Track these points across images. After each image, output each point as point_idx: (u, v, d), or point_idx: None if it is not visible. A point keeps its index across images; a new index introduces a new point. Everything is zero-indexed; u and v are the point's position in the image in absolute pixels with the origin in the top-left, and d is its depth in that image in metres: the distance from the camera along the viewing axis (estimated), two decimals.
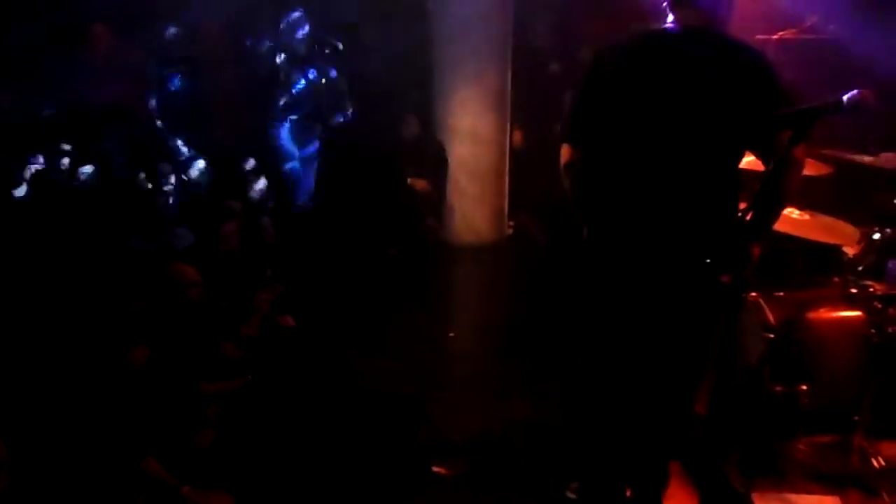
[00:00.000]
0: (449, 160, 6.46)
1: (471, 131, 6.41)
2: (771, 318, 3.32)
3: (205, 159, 6.28)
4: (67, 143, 6.09)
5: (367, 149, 6.19)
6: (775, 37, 3.95)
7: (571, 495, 3.03)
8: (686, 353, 2.58)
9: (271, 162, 6.41)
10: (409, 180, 6.43)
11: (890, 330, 3.14)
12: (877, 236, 3.25)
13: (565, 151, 2.65)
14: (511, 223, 6.89)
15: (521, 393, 4.03)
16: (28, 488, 2.31)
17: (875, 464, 3.10)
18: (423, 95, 6.54)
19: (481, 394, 4.08)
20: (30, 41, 6.07)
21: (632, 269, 2.59)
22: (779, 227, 3.36)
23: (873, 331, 3.16)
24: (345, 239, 5.71)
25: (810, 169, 3.44)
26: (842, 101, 2.03)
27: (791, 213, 3.40)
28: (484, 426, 3.72)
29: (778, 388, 3.24)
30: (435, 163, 6.48)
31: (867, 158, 3.34)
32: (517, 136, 6.90)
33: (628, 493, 2.83)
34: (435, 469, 3.35)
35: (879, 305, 3.17)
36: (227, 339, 4.01)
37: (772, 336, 3.27)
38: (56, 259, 4.38)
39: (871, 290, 3.20)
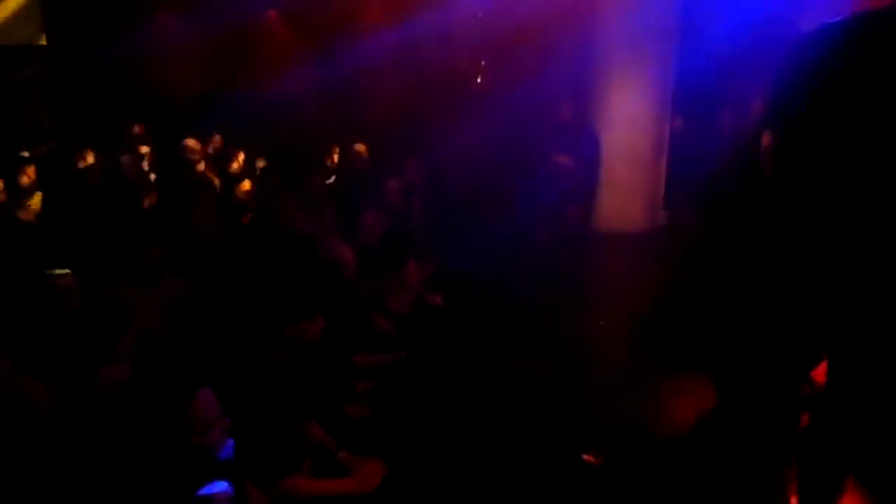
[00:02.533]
0: (603, 146, 6.36)
1: (628, 117, 6.27)
2: None
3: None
4: None
5: (514, 133, 6.21)
6: None
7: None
8: None
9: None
10: (554, 160, 6.38)
11: None
12: None
13: None
14: (665, 212, 6.70)
15: (669, 384, 3.95)
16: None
17: None
18: (578, 79, 6.46)
19: (630, 383, 4.03)
20: None
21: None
22: None
23: None
24: (492, 220, 5.75)
25: None
26: None
27: None
28: (633, 416, 3.68)
29: None
30: (587, 147, 6.40)
31: None
32: (676, 123, 6.69)
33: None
34: (584, 458, 3.35)
35: None
36: (379, 315, 4.16)
37: None
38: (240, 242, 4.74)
39: None
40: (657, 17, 6.15)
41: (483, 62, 6.57)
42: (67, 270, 3.54)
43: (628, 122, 6.31)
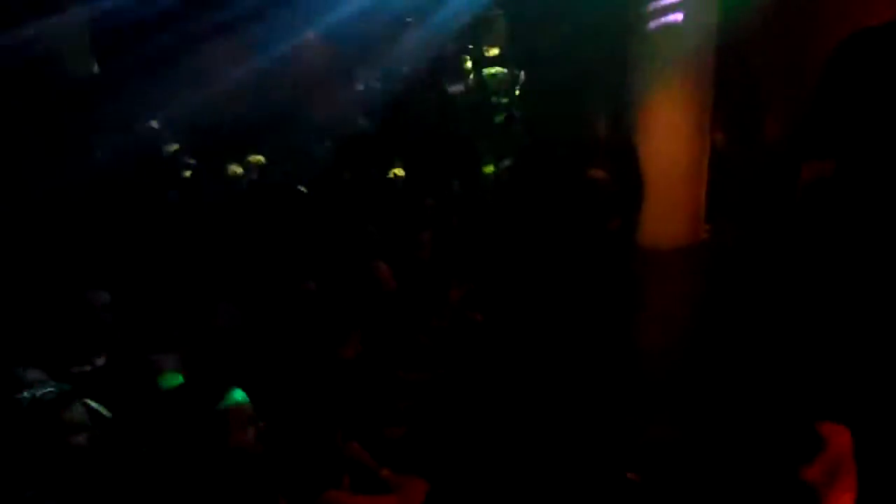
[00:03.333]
0: (641, 157, 6.29)
1: (668, 128, 6.19)
2: None
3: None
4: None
5: (550, 145, 6.21)
6: None
7: None
8: None
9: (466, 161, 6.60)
10: (590, 174, 6.34)
11: None
12: None
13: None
14: (707, 227, 6.59)
15: (713, 400, 3.88)
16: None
17: None
18: (618, 88, 6.42)
19: (673, 400, 3.97)
20: None
21: None
22: None
23: None
24: (531, 236, 5.74)
25: None
26: None
27: None
28: (676, 434, 3.62)
29: None
30: (624, 159, 6.35)
31: None
32: (719, 137, 6.59)
33: None
34: (629, 476, 3.30)
35: None
36: (420, 332, 4.18)
37: None
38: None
39: None
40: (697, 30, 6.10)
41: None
42: None
43: (668, 134, 6.24)
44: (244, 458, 2.47)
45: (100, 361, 3.31)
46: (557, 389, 3.82)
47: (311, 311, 3.51)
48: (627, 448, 3.47)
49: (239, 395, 2.49)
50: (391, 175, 7.01)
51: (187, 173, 7.10)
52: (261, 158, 7.54)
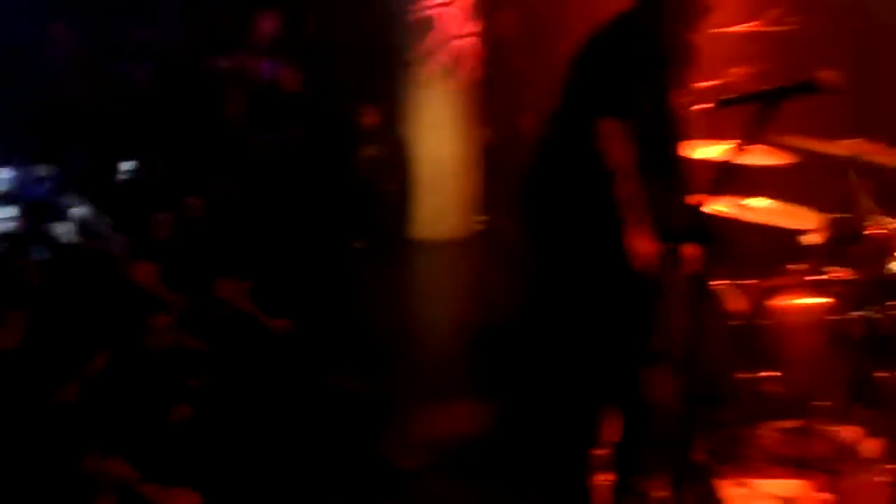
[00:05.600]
0: (415, 153, 6.44)
1: (439, 123, 6.39)
2: (736, 306, 3.36)
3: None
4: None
5: (322, 140, 6.17)
6: (742, 28, 3.99)
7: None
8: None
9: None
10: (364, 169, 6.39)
11: (850, 316, 3.18)
12: (837, 223, 3.28)
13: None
14: (481, 219, 6.88)
15: (489, 390, 4.01)
16: None
17: (835, 446, 3.14)
18: (387, 85, 6.50)
19: (449, 392, 4.06)
20: None
21: None
22: (744, 215, 3.44)
23: (834, 317, 3.21)
24: (303, 230, 5.65)
25: (777, 157, 3.49)
26: (814, 79, 2.05)
27: (757, 201, 3.45)
28: (453, 424, 3.71)
29: (742, 376, 3.26)
30: (397, 155, 6.46)
31: (834, 146, 3.35)
32: (489, 130, 6.89)
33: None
34: (402, 465, 3.33)
35: (840, 291, 3.21)
36: (190, 333, 3.97)
37: (737, 324, 3.31)
38: None
39: (833, 276, 3.24)
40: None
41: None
42: None
43: (436, 130, 6.44)
44: None
45: None
46: (332, 388, 3.78)
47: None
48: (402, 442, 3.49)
49: None
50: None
51: None
52: None
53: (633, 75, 2.64)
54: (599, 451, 3.04)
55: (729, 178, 2.14)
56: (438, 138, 6.47)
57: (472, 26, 6.45)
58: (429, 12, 6.31)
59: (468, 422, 3.74)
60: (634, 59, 2.65)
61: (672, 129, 2.80)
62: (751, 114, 2.04)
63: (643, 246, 2.64)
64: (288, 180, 6.10)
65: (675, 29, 2.74)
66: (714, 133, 3.40)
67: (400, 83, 6.47)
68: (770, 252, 3.76)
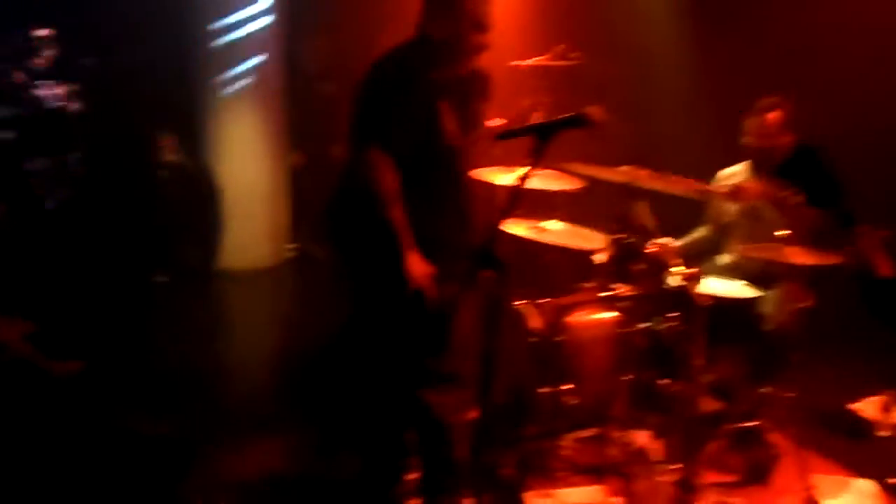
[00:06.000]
0: (220, 182, 6.24)
1: (243, 151, 6.24)
2: (535, 323, 3.52)
3: None
4: None
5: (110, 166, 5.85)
6: (530, 62, 4.20)
7: None
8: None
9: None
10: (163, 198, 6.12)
11: (636, 328, 3.43)
12: (619, 243, 3.52)
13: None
14: (292, 246, 6.76)
15: (302, 427, 3.91)
16: None
17: (629, 452, 3.36)
18: (188, 113, 6.26)
19: (261, 428, 3.91)
20: None
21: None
22: (541, 237, 3.63)
23: (623, 330, 3.45)
24: (96, 264, 5.27)
25: (567, 182, 3.71)
26: (582, 113, 2.21)
27: (552, 224, 3.66)
28: (264, 461, 3.58)
29: (543, 390, 3.42)
30: (199, 185, 6.23)
31: (616, 173, 3.59)
32: (296, 156, 6.81)
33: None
34: None
35: (626, 306, 3.46)
36: None
37: (536, 340, 3.47)
38: None
39: (619, 292, 3.48)
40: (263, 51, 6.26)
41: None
42: None
43: (241, 156, 6.29)
44: None
45: None
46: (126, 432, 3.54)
47: None
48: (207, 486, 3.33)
49: None
50: None
51: None
52: None
53: (395, 107, 2.79)
54: (407, 476, 3.07)
55: (517, 203, 2.25)
56: (244, 165, 6.31)
57: (280, 52, 6.38)
58: (233, 37, 6.19)
59: (280, 458, 3.62)
60: (396, 92, 2.79)
61: (453, 158, 2.92)
62: (529, 145, 2.17)
63: (416, 267, 2.78)
64: (73, 207, 5.70)
65: (444, 63, 2.87)
66: (509, 160, 3.56)
67: (202, 109, 6.26)
68: (565, 271, 3.99)
